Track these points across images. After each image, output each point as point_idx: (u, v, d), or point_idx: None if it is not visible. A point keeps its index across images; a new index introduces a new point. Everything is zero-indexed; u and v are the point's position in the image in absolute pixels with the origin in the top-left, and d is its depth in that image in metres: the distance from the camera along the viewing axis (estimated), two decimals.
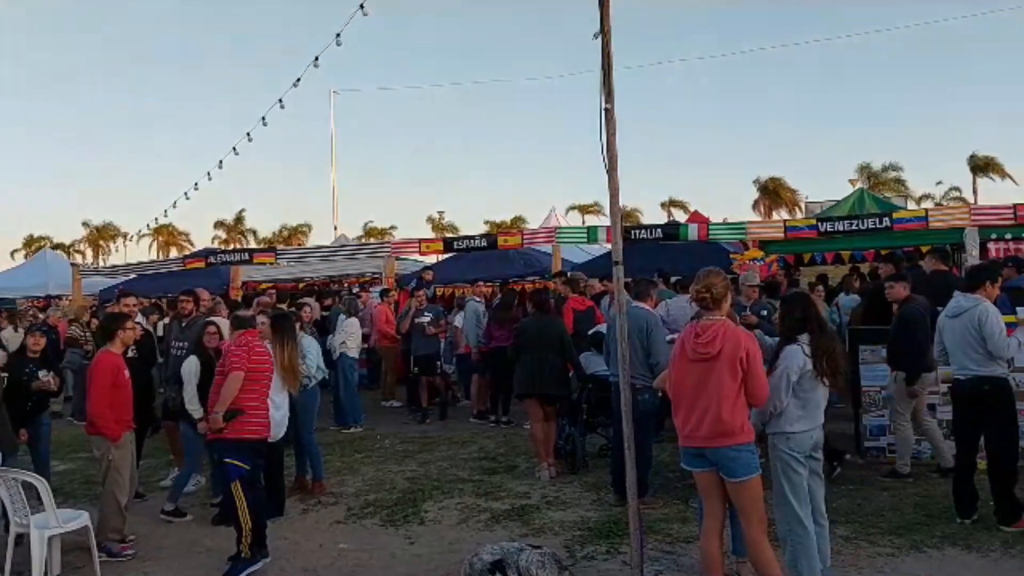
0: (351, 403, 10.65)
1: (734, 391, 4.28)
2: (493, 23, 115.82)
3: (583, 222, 51.03)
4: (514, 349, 8.06)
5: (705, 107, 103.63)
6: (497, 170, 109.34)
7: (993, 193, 51.27)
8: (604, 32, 4.85)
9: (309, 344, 7.49)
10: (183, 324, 8.53)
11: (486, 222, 60.86)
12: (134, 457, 6.49)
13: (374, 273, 17.02)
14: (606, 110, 4.84)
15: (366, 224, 63.57)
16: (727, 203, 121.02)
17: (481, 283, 13.94)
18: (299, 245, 44.98)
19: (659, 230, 14.76)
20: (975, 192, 52.19)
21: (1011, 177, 52.43)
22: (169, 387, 7.49)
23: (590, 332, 8.94)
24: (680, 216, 46.14)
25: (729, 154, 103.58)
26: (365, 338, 12.17)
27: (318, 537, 6.18)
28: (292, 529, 6.37)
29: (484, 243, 15.72)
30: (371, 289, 14.80)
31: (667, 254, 14.27)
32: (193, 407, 6.55)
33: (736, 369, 4.27)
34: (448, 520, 6.40)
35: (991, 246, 11.99)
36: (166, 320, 10.40)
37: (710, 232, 14.31)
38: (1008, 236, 12.09)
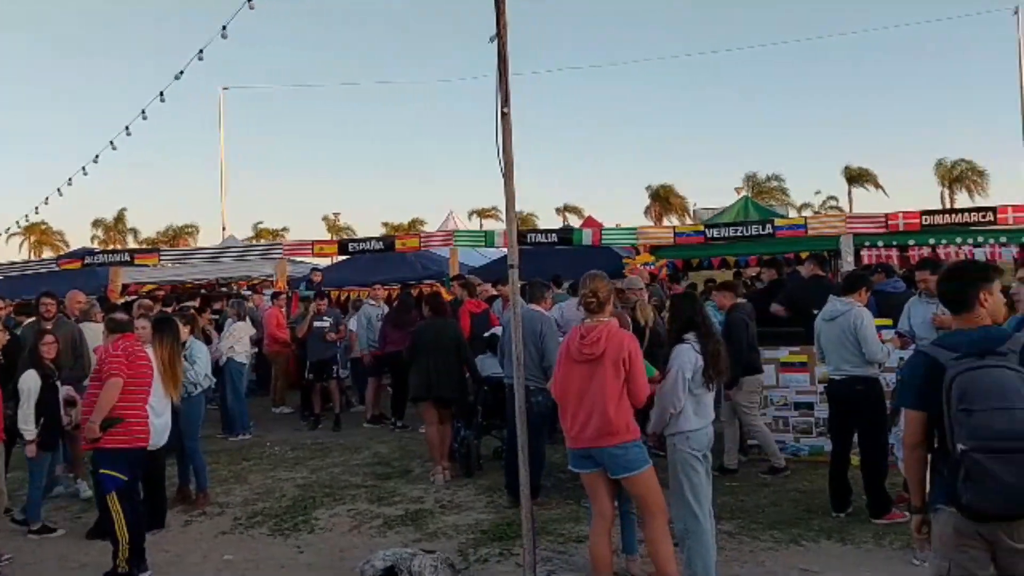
0: (239, 410, 10.27)
1: (618, 391, 4.39)
2: (391, 21, 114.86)
3: (481, 226, 51.26)
4: (409, 352, 7.98)
5: (602, 114, 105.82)
6: (395, 172, 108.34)
7: (866, 203, 54.41)
8: (500, 36, 4.87)
9: (199, 350, 7.19)
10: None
11: (383, 224, 60.23)
12: (2, 471, 6.04)
13: (265, 276, 16.53)
14: (502, 114, 4.86)
15: (256, 225, 61.81)
16: (621, 209, 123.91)
17: (378, 286, 13.74)
18: (185, 246, 43.23)
19: (554, 234, 15.00)
20: (850, 201, 55.30)
21: (883, 188, 55.83)
22: (8, 401, 6.36)
23: (486, 335, 8.96)
24: (575, 221, 46.96)
25: (624, 161, 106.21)
26: (256, 343, 11.80)
27: (201, 549, 5.93)
28: (174, 542, 6.09)
29: (381, 245, 15.54)
30: (264, 292, 14.37)
31: (562, 258, 14.47)
32: (27, 427, 6.12)
33: (619, 369, 4.39)
34: (340, 527, 6.27)
35: (864, 253, 12.72)
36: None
37: (603, 237, 14.64)
38: (879, 243, 12.88)
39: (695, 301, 4.95)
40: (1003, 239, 12.32)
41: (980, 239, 12.46)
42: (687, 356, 4.64)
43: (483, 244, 15.76)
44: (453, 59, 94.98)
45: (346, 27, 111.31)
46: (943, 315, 5.96)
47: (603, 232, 14.95)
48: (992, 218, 12.56)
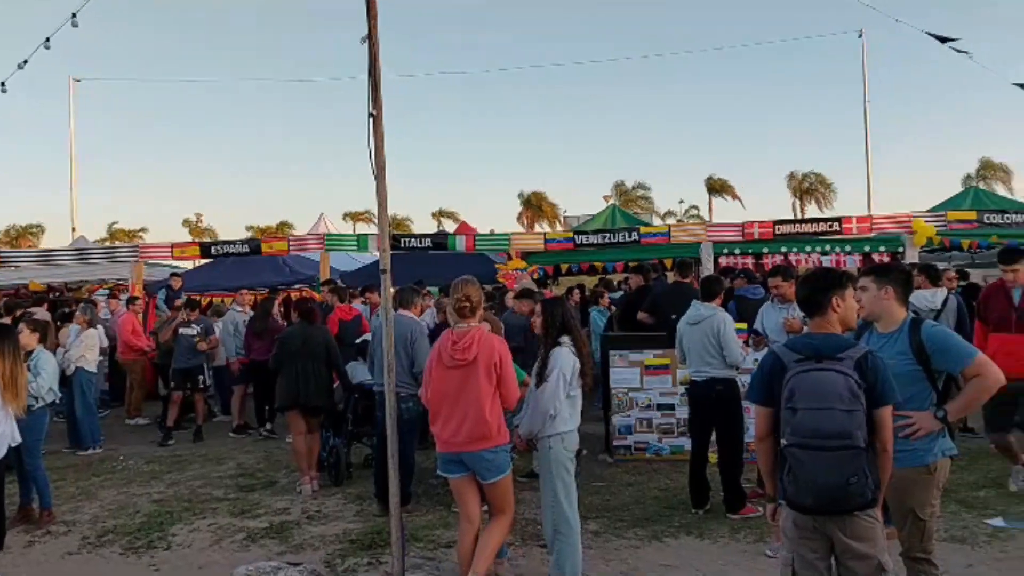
0: (89, 422, 9.62)
1: (490, 395, 4.45)
2: (261, 16, 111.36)
3: (355, 229, 50.39)
4: (276, 359, 7.74)
5: (477, 120, 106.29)
6: (264, 173, 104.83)
7: (725, 212, 57.15)
8: (371, 37, 4.82)
9: (44, 361, 6.70)
10: None
11: (248, 227, 58.03)
12: None
13: (119, 279, 15.60)
14: (373, 116, 4.81)
15: (111, 225, 58.24)
16: (494, 215, 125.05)
17: (244, 291, 13.27)
18: (30, 247, 40.24)
19: (428, 240, 14.94)
20: (710, 211, 57.86)
21: (740, 199, 58.76)
22: None
23: (357, 341, 8.83)
24: (450, 226, 46.96)
25: (498, 168, 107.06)
26: (110, 351, 11.15)
27: (45, 571, 5.53)
28: (14, 564, 5.65)
29: (246, 249, 15.01)
30: (120, 296, 13.56)
31: (436, 263, 14.47)
32: None
33: (491, 374, 4.46)
34: (199, 543, 5.99)
35: (723, 260, 13.37)
36: None
37: (477, 243, 14.73)
38: (736, 251, 13.59)
39: (565, 305, 5.04)
40: (848, 248, 13.27)
41: (827, 247, 13.36)
42: (566, 359, 4.73)
43: (356, 248, 15.51)
44: (325, 58, 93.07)
45: (214, 22, 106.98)
46: (793, 319, 6.34)
47: (477, 238, 15.04)
48: (838, 228, 13.47)
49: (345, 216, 56.73)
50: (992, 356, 3.90)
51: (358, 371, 8.01)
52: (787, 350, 3.31)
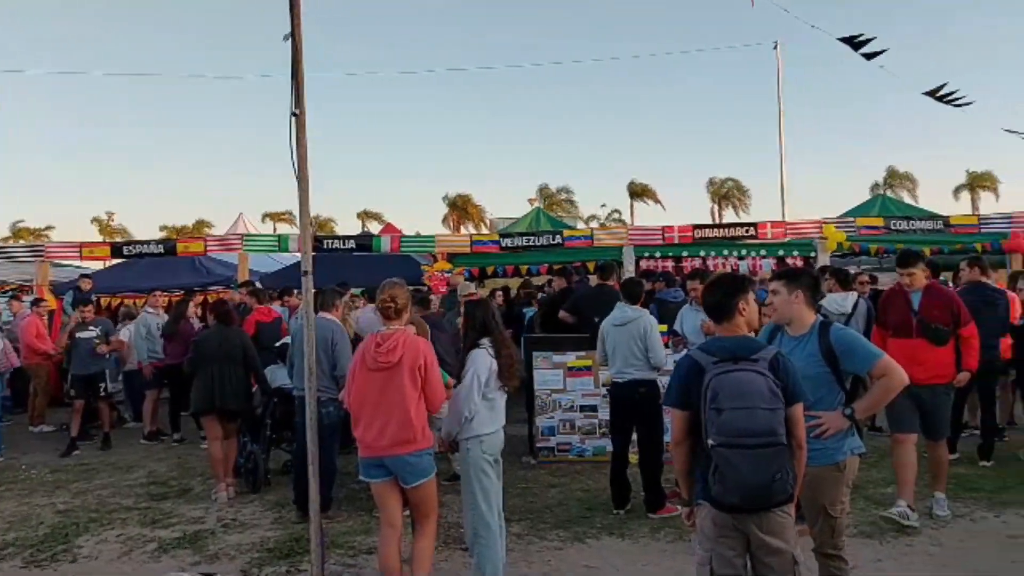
0: None
1: (415, 398, 4.41)
2: (180, 8, 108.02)
3: (275, 230, 49.35)
4: (191, 363, 7.49)
5: (404, 121, 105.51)
6: (179, 171, 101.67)
7: (647, 216, 58.21)
8: (294, 35, 4.71)
9: None
10: None
11: (163, 227, 56.10)
12: None
13: (23, 281, 14.88)
14: (295, 115, 4.71)
15: (15, 224, 55.54)
16: (420, 217, 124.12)
17: (158, 293, 12.81)
18: None
19: (352, 241, 14.74)
20: (632, 215, 58.83)
21: (661, 203, 59.93)
22: None
23: (277, 344, 8.64)
24: (375, 227, 46.48)
25: (425, 169, 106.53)
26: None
27: None
28: None
29: (160, 249, 14.51)
30: (23, 298, 12.93)
31: (360, 265, 14.29)
32: None
33: (416, 377, 4.42)
34: (107, 555, 5.75)
35: (644, 263, 13.59)
36: None
37: (402, 244, 14.60)
38: (657, 254, 13.83)
39: (488, 307, 5.03)
40: (763, 252, 13.64)
41: (744, 252, 13.72)
42: (482, 361, 4.71)
43: (276, 249, 15.18)
44: (248, 54, 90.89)
45: (134, 14, 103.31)
46: (710, 322, 6.47)
47: (402, 239, 14.91)
48: (754, 233, 13.87)
49: (265, 216, 55.55)
50: None
51: (277, 375, 7.84)
52: (703, 353, 3.37)
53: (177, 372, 8.84)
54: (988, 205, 50.36)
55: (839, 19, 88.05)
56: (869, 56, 7.65)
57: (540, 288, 12.68)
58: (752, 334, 3.55)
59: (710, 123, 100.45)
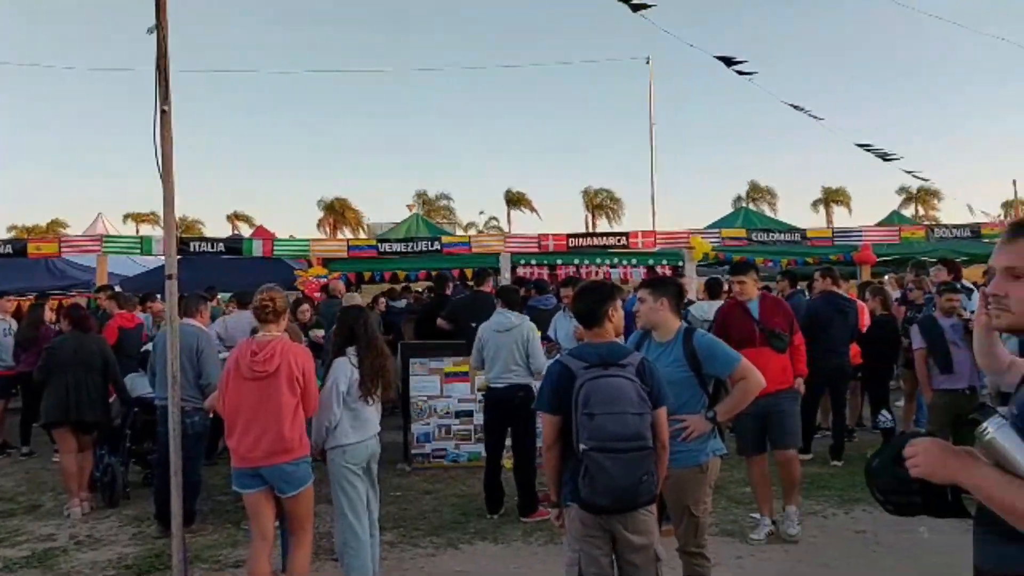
0: None
1: (293, 407, 4.34)
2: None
3: (137, 231, 46.98)
4: (42, 371, 7.03)
5: (279, 121, 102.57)
6: (32, 167, 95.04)
7: (524, 224, 59.08)
8: (160, 27, 4.54)
9: None
10: None
11: (12, 227, 52.19)
12: None
13: None
14: (162, 111, 4.54)
15: None
16: (295, 220, 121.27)
17: (9, 297, 11.91)
18: None
19: (222, 243, 14.25)
20: (509, 222, 59.54)
21: (536, 212, 60.97)
22: None
23: (141, 350, 8.24)
24: (246, 230, 44.96)
25: (300, 171, 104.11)
26: None
27: None
28: None
29: (9, 250, 13.57)
30: None
31: (229, 269, 13.84)
32: None
33: (294, 385, 4.34)
34: None
35: (520, 270, 13.80)
36: None
37: (275, 248, 14.24)
38: (533, 262, 14.08)
39: (358, 315, 4.96)
40: (634, 261, 14.13)
41: (616, 260, 14.16)
42: (342, 370, 4.66)
43: (139, 251, 14.47)
44: (109, 46, 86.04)
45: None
46: (582, 329, 6.65)
47: (275, 243, 14.54)
48: (625, 242, 14.35)
49: (127, 217, 52.86)
50: None
51: (138, 383, 7.47)
52: (573, 359, 3.47)
53: (29, 380, 8.27)
54: (841, 219, 54.07)
55: (709, 35, 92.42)
56: (743, 72, 8.07)
57: (394, 294, 12.62)
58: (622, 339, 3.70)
59: (586, 134, 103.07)
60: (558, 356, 6.73)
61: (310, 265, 14.01)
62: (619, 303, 3.65)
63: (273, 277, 10.10)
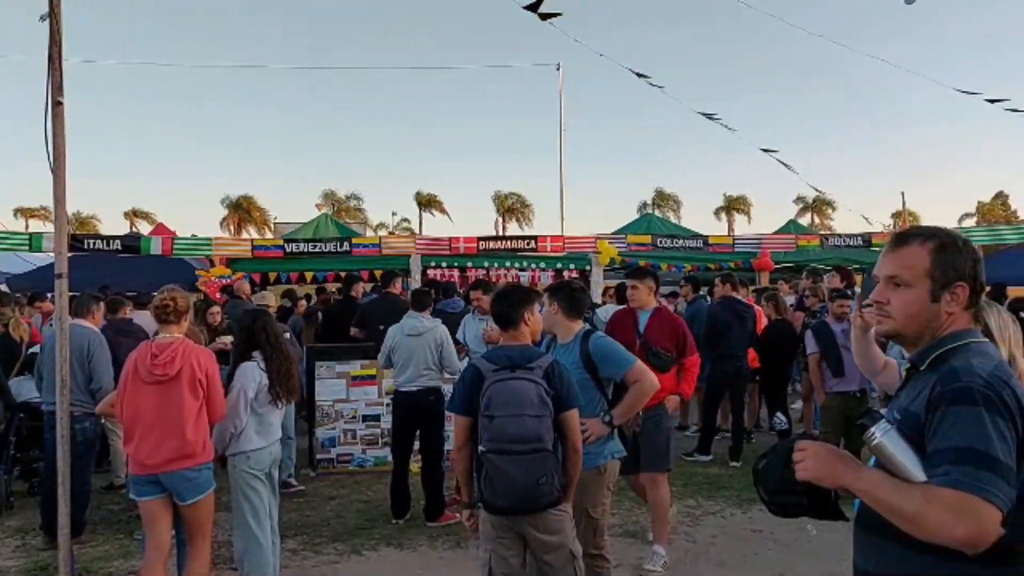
0: None
1: (195, 412, 4.21)
2: None
3: (27, 227, 44.65)
4: None
5: (180, 117, 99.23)
6: None
7: (435, 226, 58.91)
8: (53, 15, 4.34)
9: None
10: None
11: None
12: None
13: None
14: (56, 103, 4.34)
15: None
16: (198, 219, 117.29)
17: None
18: None
19: (118, 241, 13.68)
20: (421, 224, 59.26)
21: (448, 214, 60.91)
22: None
23: (28, 352, 7.83)
24: (145, 228, 43.35)
25: (203, 168, 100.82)
26: None
27: None
28: None
29: None
30: None
31: (126, 268, 13.34)
32: None
33: (197, 389, 4.22)
34: None
35: (430, 272, 13.76)
36: None
37: (175, 247, 13.76)
38: (443, 264, 14.07)
39: (262, 318, 4.85)
40: (543, 264, 14.28)
41: (525, 264, 14.28)
42: (251, 374, 4.55)
43: (27, 248, 13.74)
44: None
45: None
46: (491, 330, 6.67)
47: (175, 241, 14.04)
48: (535, 246, 14.48)
49: (17, 212, 50.23)
50: None
51: (24, 387, 7.10)
52: (485, 361, 3.53)
53: None
54: (742, 226, 56.00)
55: (621, 43, 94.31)
56: (652, 83, 8.29)
57: (294, 295, 12.39)
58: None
59: (498, 138, 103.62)
60: (471, 359, 6.80)
61: (212, 265, 13.59)
62: (537, 307, 3.74)
63: (173, 277, 9.79)
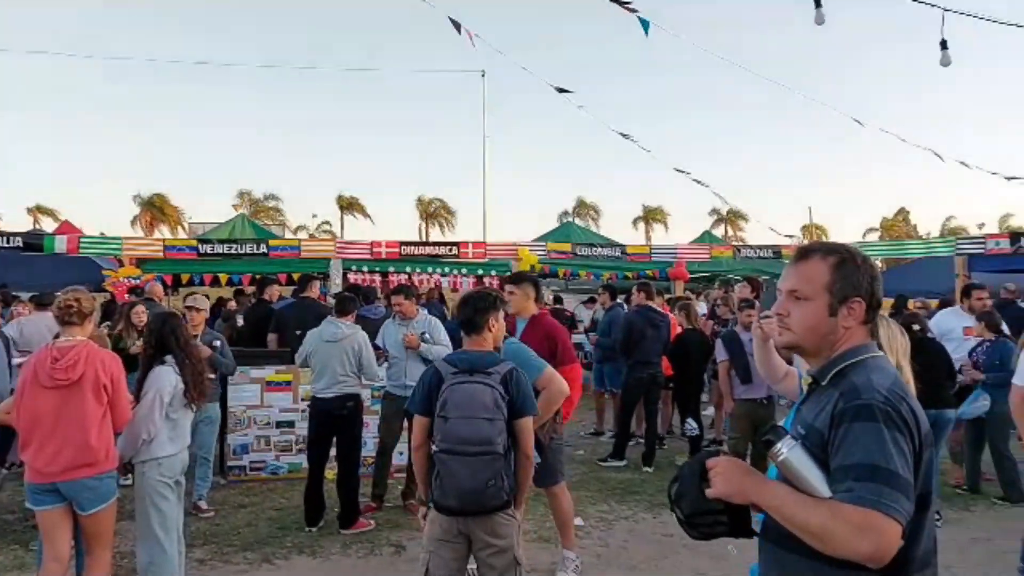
0: None
1: (99, 418, 4.08)
2: None
3: None
4: None
5: (91, 107, 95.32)
6: None
7: (357, 230, 58.22)
8: None
9: None
10: None
11: None
12: None
13: None
14: None
15: None
16: (108, 217, 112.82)
17: None
18: None
19: (19, 239, 13.05)
20: (342, 227, 58.49)
21: (371, 218, 60.32)
22: None
23: None
24: (50, 225, 41.54)
25: (114, 164, 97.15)
26: None
27: None
28: None
29: None
30: None
31: (28, 266, 12.75)
32: None
33: (101, 394, 4.09)
34: None
35: (351, 276, 13.60)
36: None
37: (81, 245, 13.20)
38: (365, 268, 13.92)
39: (171, 321, 4.71)
40: (464, 271, 14.28)
41: (447, 269, 14.26)
42: (167, 379, 4.43)
43: None
44: None
45: None
46: (411, 335, 6.59)
47: (81, 240, 13.48)
48: (457, 252, 14.47)
49: None
50: None
51: None
52: (446, 364, 3.59)
53: None
54: (659, 236, 57.22)
55: (544, 55, 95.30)
56: (574, 103, 8.40)
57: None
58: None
59: (423, 143, 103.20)
60: (386, 363, 6.78)
61: (121, 265, 13.10)
62: (501, 314, 3.82)
63: (78, 277, 9.40)
